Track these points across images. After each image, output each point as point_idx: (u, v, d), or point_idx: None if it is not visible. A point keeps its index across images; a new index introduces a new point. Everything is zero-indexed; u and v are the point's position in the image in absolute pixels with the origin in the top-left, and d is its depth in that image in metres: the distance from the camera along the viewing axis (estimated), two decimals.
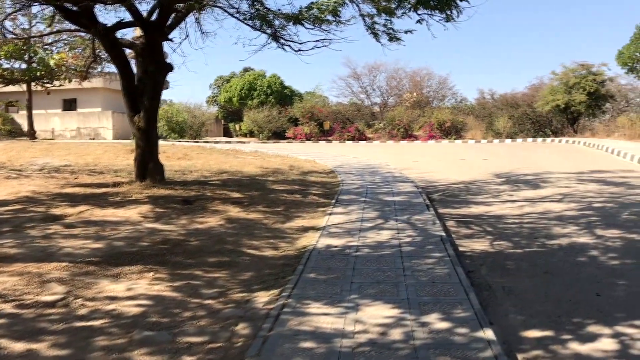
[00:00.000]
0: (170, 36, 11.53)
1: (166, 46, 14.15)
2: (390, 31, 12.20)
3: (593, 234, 7.94)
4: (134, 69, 11.28)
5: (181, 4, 10.19)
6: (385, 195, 11.21)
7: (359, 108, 46.59)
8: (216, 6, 11.51)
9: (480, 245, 7.49)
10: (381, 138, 39.35)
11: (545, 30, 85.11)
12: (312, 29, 11.11)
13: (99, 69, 28.27)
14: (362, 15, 11.97)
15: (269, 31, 10.93)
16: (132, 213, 8.48)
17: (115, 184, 11.00)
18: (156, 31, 10.46)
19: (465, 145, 31.53)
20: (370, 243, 7.06)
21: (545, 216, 9.33)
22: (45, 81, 28.88)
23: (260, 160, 18.22)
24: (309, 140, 38.82)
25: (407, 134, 39.18)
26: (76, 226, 7.61)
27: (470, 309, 4.63)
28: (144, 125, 10.91)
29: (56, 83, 29.18)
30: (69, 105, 41.44)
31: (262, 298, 5.02)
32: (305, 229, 8.02)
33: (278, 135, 41.11)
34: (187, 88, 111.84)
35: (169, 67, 11.20)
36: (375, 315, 4.49)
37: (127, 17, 10.81)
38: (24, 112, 36.33)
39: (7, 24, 20.33)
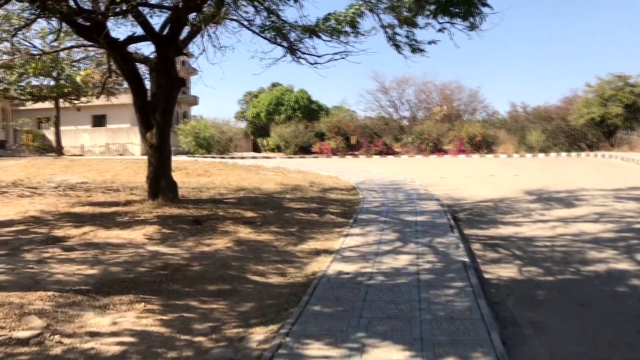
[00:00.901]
0: (185, 50, 11.22)
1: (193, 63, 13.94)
2: (413, 42, 11.75)
3: (633, 260, 7.21)
4: (147, 85, 10.99)
5: (193, 14, 9.86)
6: (407, 214, 10.62)
7: (387, 122, 46.06)
8: (231, 19, 11.20)
9: (507, 271, 6.86)
10: (409, 152, 38.71)
11: (578, 40, 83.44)
12: (329, 41, 10.68)
13: (126, 85, 28.54)
14: (383, 27, 11.53)
15: (284, 44, 10.54)
16: (137, 234, 8.08)
17: (127, 203, 10.67)
18: (168, 45, 10.14)
19: (497, 160, 30.66)
20: (386, 269, 6.50)
21: (579, 238, 8.61)
22: (72, 98, 29.18)
23: (281, 177, 17.79)
24: (335, 155, 38.41)
25: (436, 148, 38.46)
26: (75, 249, 7.23)
27: (492, 352, 4.04)
28: (157, 142, 10.57)
29: (83, 99, 29.48)
30: (99, 121, 41.97)
31: (258, 335, 4.51)
32: (318, 252, 7.50)
33: (305, 150, 40.80)
34: (216, 103, 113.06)
35: (182, 82, 10.87)
36: (383, 359, 3.94)
37: (140, 31, 10.55)
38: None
39: (37, 42, 20.52)
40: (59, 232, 8.12)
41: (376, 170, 22.08)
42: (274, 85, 59.86)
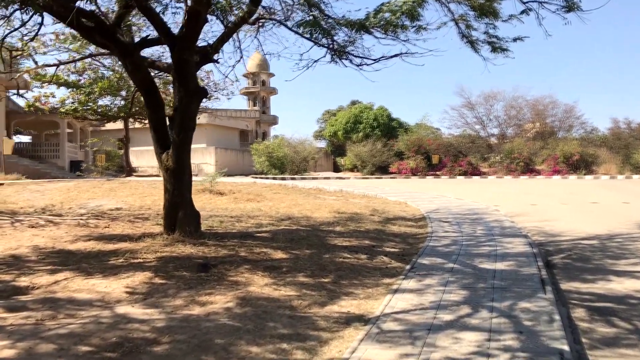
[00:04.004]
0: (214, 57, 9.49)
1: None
2: (494, 40, 9.49)
3: None
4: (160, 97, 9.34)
5: (208, 11, 8.08)
6: (483, 259, 8.17)
7: (473, 140, 43.05)
8: (269, 19, 9.36)
9: None
10: (498, 173, 35.68)
11: None
12: (383, 38, 8.56)
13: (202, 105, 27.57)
14: (454, 20, 9.32)
15: (323, 41, 8.53)
16: (117, 286, 6.25)
17: (140, 237, 8.94)
18: (184, 47, 8.39)
19: (598, 182, 27.04)
20: None
21: None
22: (141, 117, 28.65)
23: (341, 202, 15.65)
24: (415, 175, 35.96)
25: (528, 168, 35.17)
26: (26, 308, 5.49)
27: None
28: (173, 165, 8.82)
29: None
30: None
31: None
32: (348, 320, 5.32)
33: (382, 169, 38.64)
34: (296, 123, 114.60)
35: (202, 93, 9.12)
36: None
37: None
38: (136, 149, 36.94)
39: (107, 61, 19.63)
40: (24, 281, 6.44)
41: (455, 194, 19.46)
42: (353, 103, 58.27)
